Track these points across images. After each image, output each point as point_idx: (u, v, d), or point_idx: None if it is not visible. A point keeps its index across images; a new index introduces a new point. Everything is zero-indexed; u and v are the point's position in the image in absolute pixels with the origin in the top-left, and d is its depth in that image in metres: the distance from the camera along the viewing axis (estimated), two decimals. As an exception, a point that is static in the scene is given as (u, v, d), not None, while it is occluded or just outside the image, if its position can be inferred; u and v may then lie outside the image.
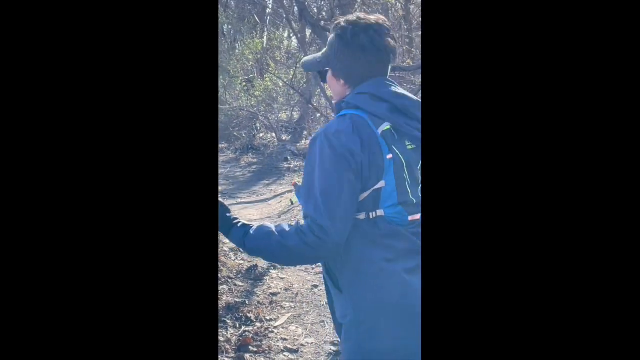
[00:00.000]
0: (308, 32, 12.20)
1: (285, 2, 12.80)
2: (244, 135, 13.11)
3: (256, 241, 1.85)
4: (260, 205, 8.02)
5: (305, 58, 2.01)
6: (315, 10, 11.74)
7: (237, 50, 14.81)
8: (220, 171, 10.72)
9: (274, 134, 12.84)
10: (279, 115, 12.78)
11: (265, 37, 14.28)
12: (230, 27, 16.08)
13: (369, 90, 1.84)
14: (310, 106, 11.41)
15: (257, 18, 14.29)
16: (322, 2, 11.82)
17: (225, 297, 4.74)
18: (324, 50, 1.94)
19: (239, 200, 8.46)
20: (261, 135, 13.22)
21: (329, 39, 1.93)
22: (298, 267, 5.23)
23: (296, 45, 13.22)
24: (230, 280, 5.11)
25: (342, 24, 1.87)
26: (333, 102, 1.96)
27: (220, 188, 7.65)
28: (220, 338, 4.05)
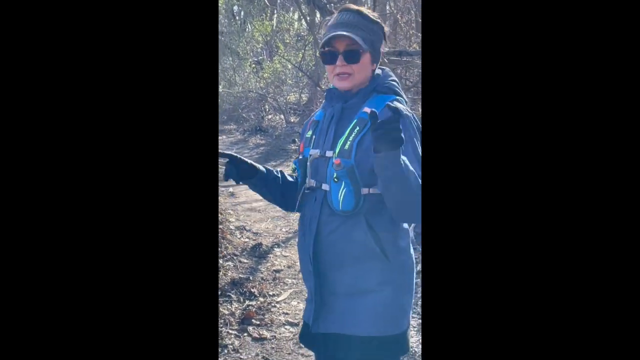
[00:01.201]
0: (317, 14, 12.25)
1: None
2: (252, 116, 13.23)
3: (414, 173, 1.81)
4: (266, 186, 8.14)
5: (346, 34, 1.94)
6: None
7: (246, 32, 14.88)
8: (228, 151, 10.83)
9: (282, 116, 12.93)
10: (288, 98, 12.87)
11: (274, 20, 14.33)
12: (240, 8, 16.13)
13: (394, 77, 2.05)
14: (319, 88, 11.49)
15: (266, 0, 14.34)
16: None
17: (230, 273, 4.90)
18: (358, 32, 1.96)
19: (246, 181, 8.59)
20: (269, 117, 13.32)
21: (359, 22, 1.98)
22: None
23: (305, 27, 13.27)
24: (235, 257, 5.27)
25: (369, 14, 2.01)
26: (350, 84, 1.98)
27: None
28: (225, 311, 4.21)
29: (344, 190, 1.90)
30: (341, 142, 1.92)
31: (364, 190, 1.90)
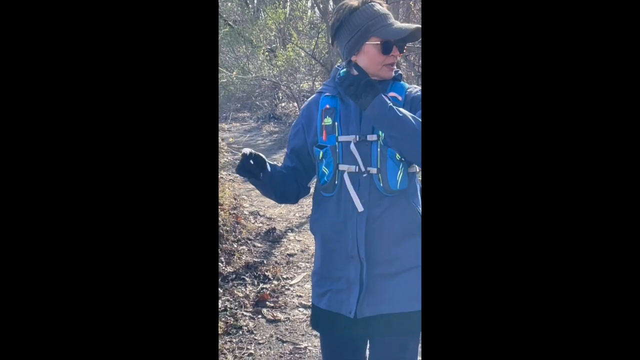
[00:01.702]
0: (330, 2, 12.24)
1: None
2: (265, 104, 13.28)
3: (404, 112, 1.93)
4: (280, 172, 8.22)
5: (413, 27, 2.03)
6: (338, -19, 11.78)
7: (259, 21, 14.89)
8: (242, 139, 10.91)
9: (295, 104, 12.95)
10: (301, 85, 12.87)
11: (288, 8, 14.33)
12: (253, -4, 16.15)
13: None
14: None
15: (280, -12, 14.35)
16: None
17: (245, 257, 4.97)
18: (405, 23, 2.06)
19: (260, 167, 8.66)
20: (283, 104, 13.35)
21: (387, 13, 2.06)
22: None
23: (318, 15, 13.26)
24: (249, 242, 5.34)
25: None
26: (387, 71, 2.07)
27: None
28: (239, 294, 4.29)
29: (402, 170, 1.99)
30: None
31: (411, 169, 2.02)
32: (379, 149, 1.99)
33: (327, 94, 2.12)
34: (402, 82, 2.10)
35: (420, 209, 2.04)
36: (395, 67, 2.09)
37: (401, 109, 1.91)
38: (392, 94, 2.03)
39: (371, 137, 2.00)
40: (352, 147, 2.02)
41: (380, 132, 1.98)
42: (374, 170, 2.00)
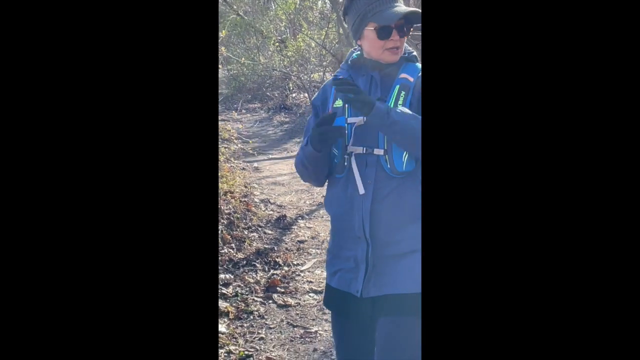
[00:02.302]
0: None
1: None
2: (276, 95, 13.28)
3: (402, 115, 1.96)
4: (290, 161, 8.23)
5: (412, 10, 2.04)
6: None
7: (270, 11, 14.89)
8: (253, 129, 10.93)
9: (306, 94, 12.95)
10: (312, 76, 12.87)
11: (298, -2, 14.33)
12: (264, -13, 16.14)
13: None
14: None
15: (290, -22, 14.32)
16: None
17: (255, 243, 4.99)
18: (407, 7, 2.06)
19: (270, 156, 8.68)
20: (293, 95, 13.35)
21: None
22: (325, 217, 5.44)
23: (329, 6, 13.24)
24: (260, 229, 5.36)
25: None
26: (398, 56, 2.08)
27: (252, 145, 7.86)
28: (250, 280, 4.30)
29: (408, 152, 1.98)
30: (392, 106, 1.99)
31: None
32: None
33: (340, 77, 2.12)
34: (416, 63, 2.09)
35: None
36: (400, 50, 2.07)
37: (402, 109, 1.96)
38: (403, 75, 2.04)
39: None
40: (354, 130, 2.04)
41: None
42: (380, 152, 2.01)
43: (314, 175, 2.17)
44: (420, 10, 1.97)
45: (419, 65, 2.08)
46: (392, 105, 1.99)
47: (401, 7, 2.03)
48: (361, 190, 2.01)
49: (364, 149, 2.03)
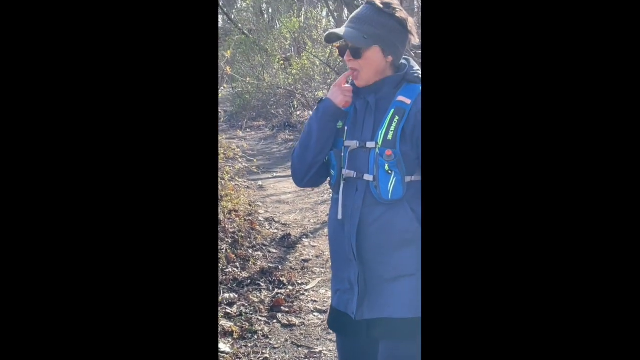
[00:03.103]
0: (345, 10, 12.29)
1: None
2: (281, 112, 13.32)
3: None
4: (295, 179, 8.24)
5: (342, 31, 2.01)
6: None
7: (274, 30, 14.96)
8: (257, 147, 10.94)
9: (310, 112, 12.95)
10: (316, 94, 12.89)
11: (302, 16, 14.39)
12: (268, 5, 16.23)
13: (418, 67, 2.08)
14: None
15: (294, -3, 14.43)
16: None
17: (260, 262, 4.98)
18: (363, 27, 2.01)
19: (275, 174, 8.69)
20: (298, 112, 13.38)
21: (368, 16, 2.02)
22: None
23: (333, 24, 13.32)
24: (264, 247, 5.35)
25: (382, 6, 2.02)
26: (360, 81, 2.06)
27: (257, 163, 7.87)
28: (254, 299, 4.29)
29: (394, 180, 1.98)
30: (382, 133, 1.99)
31: (407, 179, 1.99)
32: (375, 157, 2.00)
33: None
34: (417, 84, 2.05)
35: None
36: (358, 72, 2.04)
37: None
38: (400, 98, 2.01)
39: (370, 144, 2.01)
40: (348, 153, 2.05)
41: (378, 140, 1.99)
42: (370, 178, 2.01)
43: (313, 148, 2.11)
44: (336, 31, 2.00)
45: (420, 86, 2.04)
46: (383, 133, 1.99)
47: (344, 29, 2.01)
48: (339, 216, 2.05)
49: (355, 173, 2.04)
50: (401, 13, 2.05)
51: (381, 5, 2.02)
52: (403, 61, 2.09)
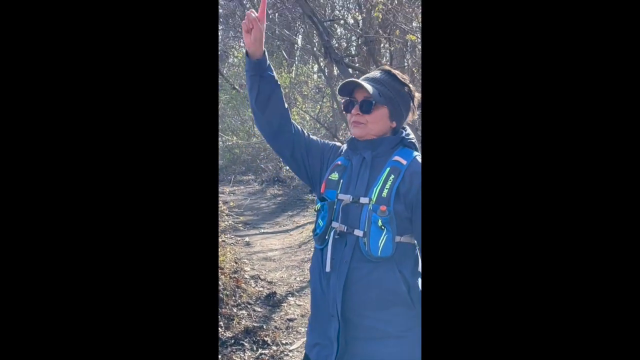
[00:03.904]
0: (335, 68, 12.44)
1: (315, 40, 13.09)
2: (270, 167, 13.33)
3: None
4: (281, 236, 8.21)
5: (370, 83, 2.10)
6: (345, 44, 12.02)
7: (266, 85, 15.07)
8: (245, 202, 10.93)
9: (299, 167, 13.00)
10: (305, 149, 12.95)
11: (293, 72, 14.56)
12: (259, 62, 16.35)
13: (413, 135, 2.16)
14: (336, 139, 11.62)
15: (285, 54, 14.61)
16: (350, 36, 12.10)
17: (244, 321, 4.92)
18: (379, 86, 2.11)
19: (262, 231, 8.65)
20: (287, 167, 13.40)
21: (384, 79, 2.13)
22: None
23: (324, 80, 13.48)
24: (249, 306, 5.30)
25: (398, 75, 2.15)
26: (362, 132, 2.12)
27: (244, 218, 7.86)
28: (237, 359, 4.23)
29: (385, 237, 1.98)
30: (377, 190, 2.02)
31: (397, 238, 2.00)
32: (367, 213, 2.01)
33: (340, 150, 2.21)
34: (412, 149, 2.12)
35: (415, 280, 2.05)
36: (364, 125, 2.11)
37: None
38: (396, 157, 2.06)
39: (363, 200, 2.03)
40: (341, 207, 2.06)
41: (372, 196, 2.01)
42: (360, 233, 2.01)
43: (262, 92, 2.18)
44: (356, 80, 2.08)
45: (415, 153, 2.10)
46: (378, 190, 2.02)
47: (362, 82, 2.09)
48: (327, 268, 2.03)
49: (346, 227, 2.04)
50: (412, 87, 2.16)
51: (397, 74, 2.13)
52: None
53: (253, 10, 2.11)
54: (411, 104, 2.17)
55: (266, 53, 2.17)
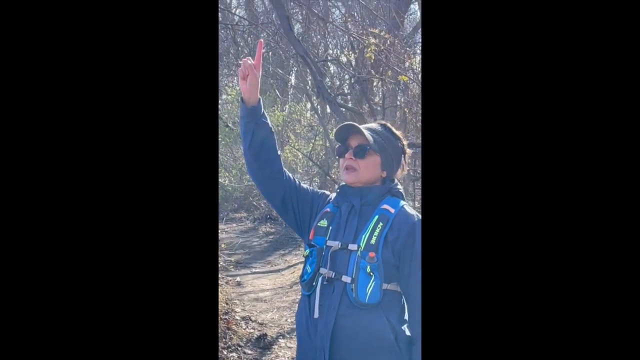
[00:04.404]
0: (327, 107, 12.52)
1: (308, 79, 13.19)
2: (262, 205, 13.31)
3: None
4: (273, 275, 8.16)
5: (366, 130, 2.14)
6: (338, 83, 12.11)
7: (259, 123, 15.13)
8: (237, 240, 10.89)
9: (292, 205, 12.98)
10: (298, 187, 12.96)
11: (286, 110, 14.63)
12: (253, 99, 16.41)
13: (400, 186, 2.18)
14: (329, 177, 11.62)
15: (278, 92, 14.69)
16: (343, 75, 12.19)
17: (234, 364, 4.88)
18: (374, 135, 2.15)
19: (253, 270, 8.61)
20: (279, 206, 13.40)
21: (380, 131, 2.19)
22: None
23: (316, 118, 13.55)
24: (239, 348, 5.25)
25: (393, 129, 2.20)
26: (354, 178, 2.14)
27: (235, 257, 7.82)
28: (227, 404, 4.17)
29: (373, 284, 2.00)
30: (366, 237, 2.04)
31: (385, 285, 2.01)
32: (356, 259, 2.01)
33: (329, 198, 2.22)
34: (399, 198, 2.15)
35: (402, 328, 2.04)
36: (357, 171, 2.14)
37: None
38: (384, 206, 2.09)
39: (352, 247, 2.05)
40: (329, 253, 2.07)
41: (360, 243, 2.02)
42: (347, 279, 2.01)
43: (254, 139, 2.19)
44: (354, 124, 2.11)
45: (402, 202, 2.13)
46: (366, 237, 2.02)
47: (359, 127, 2.12)
48: (316, 315, 2.03)
49: (334, 274, 2.04)
50: (406, 144, 2.20)
51: (392, 129, 2.19)
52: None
53: (249, 57, 2.13)
54: (402, 159, 2.21)
55: (261, 100, 2.20)
